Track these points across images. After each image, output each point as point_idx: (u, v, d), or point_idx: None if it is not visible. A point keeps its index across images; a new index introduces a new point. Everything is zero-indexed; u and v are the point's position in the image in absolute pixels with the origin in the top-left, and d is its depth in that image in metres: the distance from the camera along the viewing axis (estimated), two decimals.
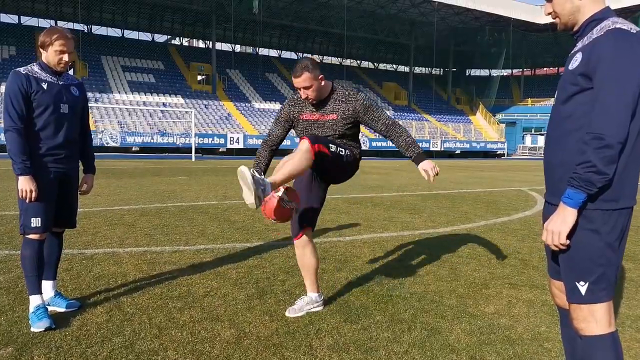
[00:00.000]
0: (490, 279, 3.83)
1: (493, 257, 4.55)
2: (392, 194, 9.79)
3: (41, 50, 2.79)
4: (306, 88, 2.83)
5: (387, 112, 3.13)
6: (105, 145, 29.59)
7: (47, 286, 3.01)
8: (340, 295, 3.39)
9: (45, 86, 2.77)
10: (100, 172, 14.00)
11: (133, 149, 31.02)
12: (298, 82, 2.82)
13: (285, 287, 3.54)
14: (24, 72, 2.74)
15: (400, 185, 11.90)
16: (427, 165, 2.79)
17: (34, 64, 2.84)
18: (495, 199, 9.47)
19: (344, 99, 2.88)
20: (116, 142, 30.25)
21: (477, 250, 4.84)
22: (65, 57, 2.79)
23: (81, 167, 3.10)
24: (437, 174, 2.78)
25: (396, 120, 2.95)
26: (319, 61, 55.92)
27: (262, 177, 2.69)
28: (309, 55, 56.65)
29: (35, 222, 2.78)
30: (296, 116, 3.00)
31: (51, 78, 2.82)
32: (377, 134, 3.06)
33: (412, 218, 6.83)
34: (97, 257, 4.30)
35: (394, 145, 2.93)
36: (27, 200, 2.73)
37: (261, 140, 30.66)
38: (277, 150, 3.10)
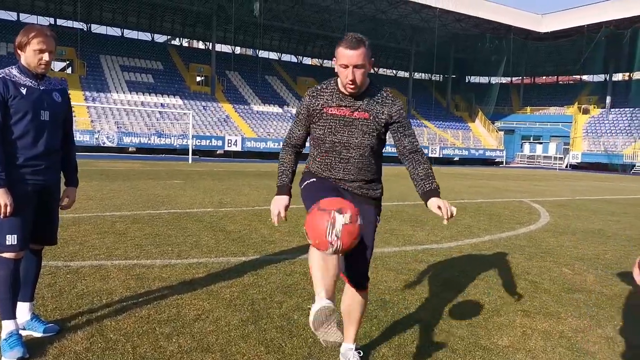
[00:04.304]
0: (501, 305, 3.59)
1: (502, 279, 4.32)
2: (392, 204, 9.55)
3: (19, 51, 2.55)
4: (357, 67, 2.24)
5: None
6: (102, 145, 29.28)
7: (23, 308, 2.76)
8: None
9: (24, 91, 2.52)
10: (94, 173, 13.72)
11: (129, 149, 30.72)
12: (351, 56, 2.22)
13: (283, 311, 3.30)
14: (0, 76, 2.50)
15: (401, 194, 11.66)
16: (441, 202, 2.23)
17: (13, 67, 2.59)
18: (497, 210, 9.25)
19: (380, 100, 2.38)
20: (113, 143, 29.94)
21: (485, 270, 4.60)
22: (45, 57, 2.53)
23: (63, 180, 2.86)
24: (452, 216, 2.21)
25: None
26: (319, 65, 55.84)
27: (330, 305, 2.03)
28: (309, 60, 56.60)
29: (11, 239, 2.53)
30: (318, 109, 2.40)
31: (31, 82, 2.57)
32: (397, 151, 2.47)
33: (414, 231, 6.59)
34: (83, 270, 4.05)
35: (409, 172, 2.40)
36: (1, 216, 2.48)
37: (262, 144, 29.25)
38: (302, 153, 2.60)
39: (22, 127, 2.53)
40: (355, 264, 2.47)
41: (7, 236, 2.52)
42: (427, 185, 2.33)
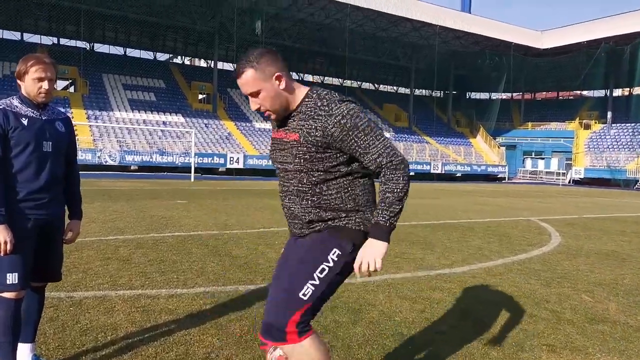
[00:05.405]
0: (524, 339, 3.42)
1: (521, 308, 4.15)
2: (400, 224, 9.39)
3: (19, 81, 2.44)
4: (253, 95, 1.87)
5: (388, 137, 1.95)
6: (104, 163, 29.23)
7: (24, 350, 2.61)
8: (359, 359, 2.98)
9: (25, 122, 2.41)
10: (96, 193, 13.60)
11: (132, 167, 30.67)
12: (240, 85, 1.88)
13: None
14: (1, 107, 2.39)
15: (408, 214, 11.51)
16: (367, 250, 1.80)
17: (14, 97, 2.48)
18: (506, 230, 9.08)
19: (312, 112, 1.86)
20: (115, 161, 29.90)
21: (502, 298, 4.44)
22: (45, 85, 2.42)
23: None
24: (370, 272, 1.80)
25: (402, 158, 1.86)
26: (320, 81, 56.20)
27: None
28: (310, 76, 56.84)
29: (12, 278, 2.39)
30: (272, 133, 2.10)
31: (32, 112, 2.46)
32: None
33: (424, 254, 6.43)
34: (86, 302, 3.89)
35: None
36: (1, 253, 2.35)
37: (263, 161, 28.38)
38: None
39: (23, 160, 2.41)
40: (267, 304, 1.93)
41: (8, 275, 2.38)
42: (375, 215, 1.83)
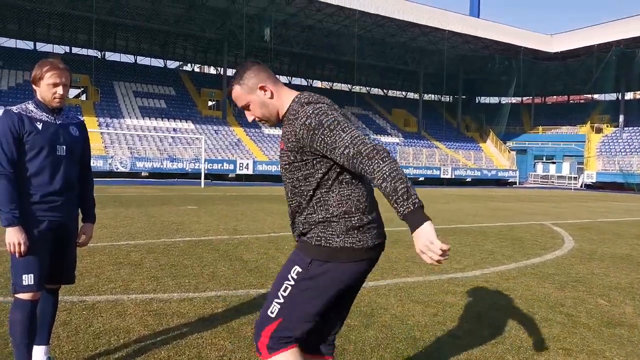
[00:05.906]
0: (540, 342, 3.37)
1: (536, 312, 4.10)
2: (407, 228, 9.32)
3: (34, 86, 2.48)
4: (245, 108, 1.99)
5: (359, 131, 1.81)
6: (115, 170, 29.49)
7: (38, 352, 2.62)
8: None
9: (39, 126, 2.44)
10: (108, 199, 13.71)
11: (142, 174, 30.89)
12: (234, 100, 2.00)
13: None
14: (16, 111, 2.43)
15: None
16: (417, 244, 1.67)
17: (29, 102, 2.53)
18: (518, 235, 9.00)
19: (290, 117, 1.89)
20: (126, 168, 30.15)
21: (516, 302, 4.38)
22: (60, 90, 2.46)
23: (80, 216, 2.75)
24: (438, 259, 1.64)
25: (374, 145, 1.73)
26: (329, 87, 56.12)
27: None
28: (318, 82, 56.87)
29: (27, 279, 2.42)
30: None
31: (47, 117, 2.49)
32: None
33: None
34: (99, 306, 3.91)
35: None
36: (16, 255, 2.37)
37: (273, 167, 28.21)
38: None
39: (38, 163, 2.44)
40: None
41: (24, 276, 2.41)
42: (396, 206, 1.68)
